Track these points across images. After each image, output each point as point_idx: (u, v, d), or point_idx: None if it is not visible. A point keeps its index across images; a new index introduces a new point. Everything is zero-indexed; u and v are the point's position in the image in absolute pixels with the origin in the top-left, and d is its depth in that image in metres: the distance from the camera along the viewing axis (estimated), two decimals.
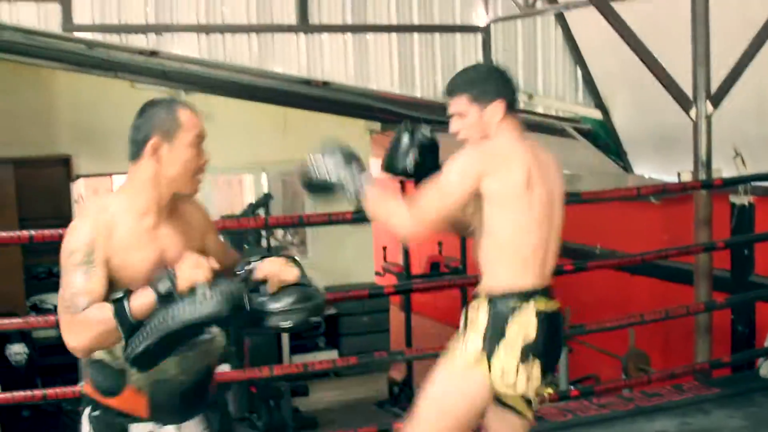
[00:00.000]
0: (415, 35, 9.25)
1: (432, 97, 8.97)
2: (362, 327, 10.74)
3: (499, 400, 3.03)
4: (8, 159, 9.83)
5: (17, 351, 9.41)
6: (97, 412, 2.60)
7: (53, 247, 10.00)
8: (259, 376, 5.98)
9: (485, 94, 2.98)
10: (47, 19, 8.11)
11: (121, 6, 8.35)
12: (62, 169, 10.35)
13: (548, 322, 2.96)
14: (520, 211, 2.89)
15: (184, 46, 8.44)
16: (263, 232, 8.43)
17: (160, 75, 8.59)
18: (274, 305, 2.55)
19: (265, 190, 10.61)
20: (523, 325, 2.91)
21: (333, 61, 8.87)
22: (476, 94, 2.99)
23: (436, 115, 9.51)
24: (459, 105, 3.02)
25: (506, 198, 2.88)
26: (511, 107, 3.02)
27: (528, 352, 2.90)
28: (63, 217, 9.32)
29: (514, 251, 2.93)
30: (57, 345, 9.13)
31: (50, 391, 4.53)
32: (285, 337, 9.72)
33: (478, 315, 2.96)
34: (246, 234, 8.12)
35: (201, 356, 2.61)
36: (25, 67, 9.29)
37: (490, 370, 2.90)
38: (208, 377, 2.70)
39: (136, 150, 2.62)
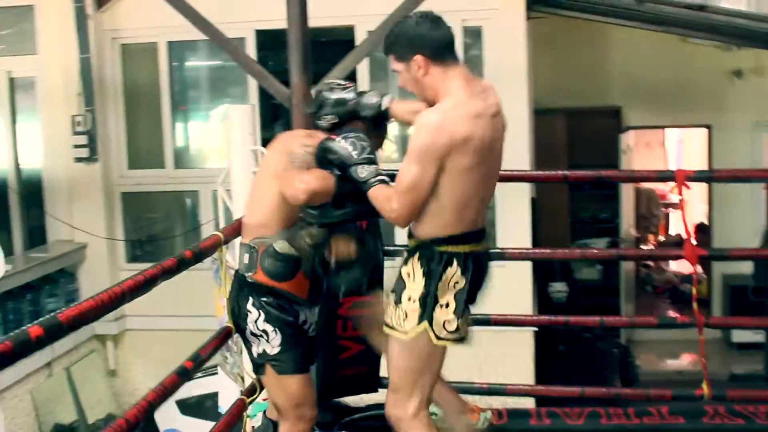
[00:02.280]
0: None
1: None
2: None
3: None
4: (561, 108, 10.47)
5: (558, 289, 10.10)
6: (266, 298, 3.31)
7: (599, 193, 10.41)
8: None
9: (403, 51, 2.97)
10: None
11: None
12: (612, 120, 10.69)
13: (474, 262, 3.05)
14: (469, 180, 2.95)
15: (732, 0, 8.31)
16: None
17: (709, 29, 8.54)
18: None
19: None
20: (452, 276, 3.01)
21: None
22: (397, 52, 3.00)
23: None
24: (392, 64, 3.04)
25: (459, 173, 2.91)
26: (438, 57, 2.94)
27: (461, 301, 3.03)
28: (611, 166, 9.66)
29: (454, 209, 2.99)
30: (597, 286, 9.62)
31: (573, 319, 4.65)
32: None
33: (414, 276, 3.04)
34: None
35: None
36: (581, 22, 9.76)
37: (434, 332, 3.01)
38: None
39: None
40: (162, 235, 9.01)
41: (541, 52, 9.29)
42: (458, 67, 2.98)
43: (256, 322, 3.32)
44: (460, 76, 2.96)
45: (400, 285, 3.06)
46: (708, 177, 5.70)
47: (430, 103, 2.99)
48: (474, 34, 8.25)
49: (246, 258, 3.35)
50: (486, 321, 4.29)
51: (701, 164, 10.93)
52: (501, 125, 3.05)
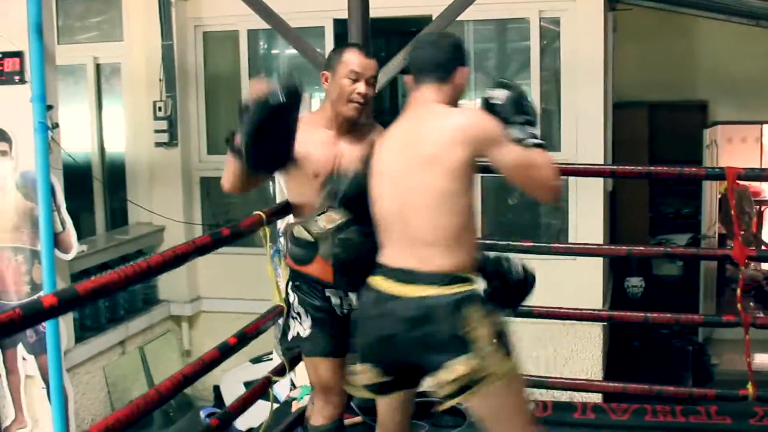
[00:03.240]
0: None
1: None
2: None
3: None
4: (644, 101, 10.30)
5: (634, 284, 9.96)
6: (298, 282, 3.35)
7: (682, 189, 10.09)
8: None
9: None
10: None
11: None
12: (698, 115, 10.45)
13: (372, 304, 2.95)
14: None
15: None
16: None
17: None
18: None
19: None
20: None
21: None
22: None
23: None
24: None
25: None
26: (419, 79, 3.04)
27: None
28: (694, 161, 9.45)
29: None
30: (676, 283, 9.36)
31: (617, 314, 4.56)
32: None
33: None
34: None
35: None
36: (668, 14, 9.57)
37: None
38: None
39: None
40: (239, 220, 9.11)
41: (625, 45, 9.16)
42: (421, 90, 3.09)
43: (293, 304, 3.39)
44: (417, 98, 3.09)
45: None
46: (758, 175, 5.53)
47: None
48: (552, 25, 8.17)
49: (284, 242, 3.44)
50: (529, 313, 4.26)
51: None
52: (439, 141, 3.03)
